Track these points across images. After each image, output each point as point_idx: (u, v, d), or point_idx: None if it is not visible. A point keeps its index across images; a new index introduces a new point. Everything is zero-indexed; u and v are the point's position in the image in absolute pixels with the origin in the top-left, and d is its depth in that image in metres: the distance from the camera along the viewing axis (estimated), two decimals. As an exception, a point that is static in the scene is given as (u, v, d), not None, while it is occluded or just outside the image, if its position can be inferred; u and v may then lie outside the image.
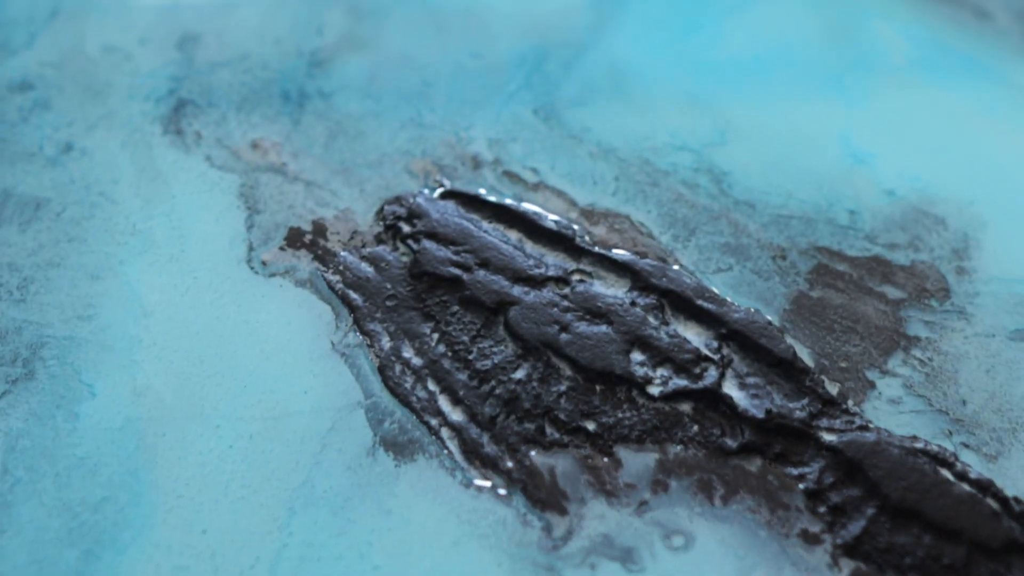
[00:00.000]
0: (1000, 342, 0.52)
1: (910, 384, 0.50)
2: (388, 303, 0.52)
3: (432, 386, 0.49)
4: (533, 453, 0.47)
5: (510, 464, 0.47)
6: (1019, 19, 0.69)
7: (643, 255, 0.54)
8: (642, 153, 0.60)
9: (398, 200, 0.57)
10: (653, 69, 0.65)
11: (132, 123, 0.61)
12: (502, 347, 0.50)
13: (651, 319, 0.51)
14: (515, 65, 0.65)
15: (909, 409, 0.49)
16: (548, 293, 0.52)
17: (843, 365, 0.51)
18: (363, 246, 0.55)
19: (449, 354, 0.50)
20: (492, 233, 0.54)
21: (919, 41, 0.68)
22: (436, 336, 0.51)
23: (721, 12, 0.69)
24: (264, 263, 0.54)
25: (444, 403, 0.49)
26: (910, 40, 0.68)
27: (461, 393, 0.49)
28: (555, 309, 0.51)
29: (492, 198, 0.57)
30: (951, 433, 0.49)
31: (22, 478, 0.47)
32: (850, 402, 0.49)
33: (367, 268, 0.54)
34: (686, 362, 0.49)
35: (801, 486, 0.46)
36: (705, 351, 0.50)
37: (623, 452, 0.47)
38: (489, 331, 0.51)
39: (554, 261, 0.54)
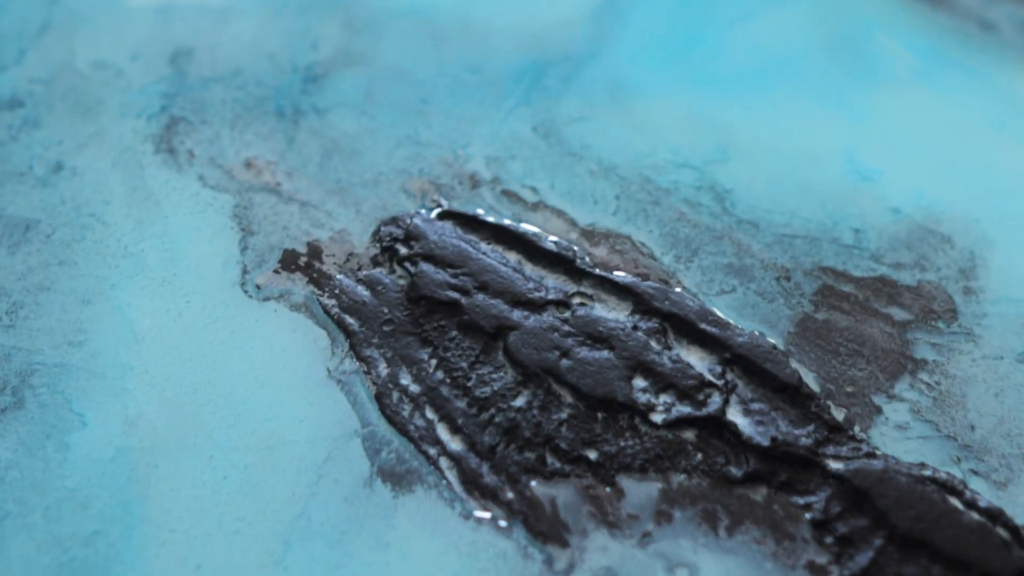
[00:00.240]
0: (1009, 365, 0.51)
1: (917, 409, 0.49)
2: (385, 328, 0.51)
3: (430, 414, 0.48)
4: (534, 483, 0.46)
5: (510, 495, 0.46)
6: (1023, 30, 0.68)
7: (645, 277, 0.53)
8: (643, 171, 0.59)
9: (395, 221, 0.56)
10: (654, 83, 0.64)
11: (123, 141, 0.60)
12: (501, 373, 0.49)
13: (653, 344, 0.50)
14: (513, 80, 0.64)
15: (917, 435, 0.48)
16: (548, 317, 0.51)
17: (849, 390, 0.50)
18: (359, 269, 0.54)
19: (448, 381, 0.49)
20: (491, 255, 0.53)
21: (923, 53, 0.67)
22: (434, 362, 0.50)
23: (722, 25, 0.68)
24: (258, 287, 0.53)
25: (443, 431, 0.48)
26: (914, 52, 0.67)
27: (460, 421, 0.48)
28: (555, 334, 0.50)
29: (491, 218, 0.56)
30: (960, 459, 0.48)
31: (11, 511, 0.45)
32: (857, 428, 0.48)
33: (363, 292, 0.53)
34: (689, 388, 0.49)
35: (807, 516, 0.45)
36: (709, 376, 0.49)
37: (626, 482, 0.46)
38: (488, 357, 0.50)
39: (554, 284, 0.52)
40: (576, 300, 0.52)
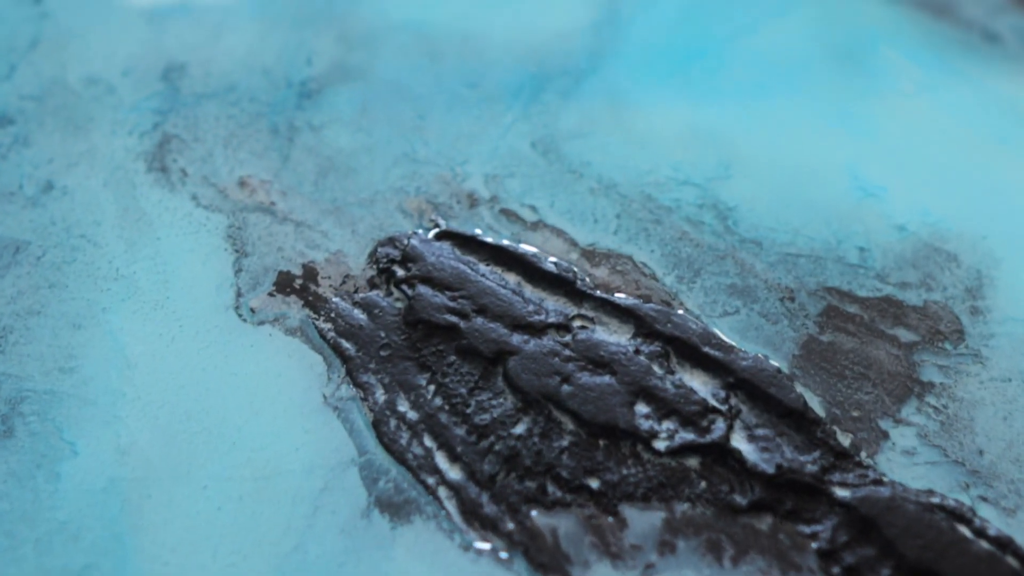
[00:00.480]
0: (1017, 387, 0.50)
1: (925, 433, 0.48)
2: (382, 353, 0.50)
3: (429, 442, 0.47)
4: (534, 513, 0.45)
5: (511, 526, 0.45)
6: (1029, 41, 0.67)
7: (647, 299, 0.52)
8: (644, 188, 0.58)
9: (391, 241, 0.55)
10: (654, 98, 0.63)
11: (115, 160, 0.59)
12: (501, 400, 0.48)
13: (656, 368, 0.49)
14: (512, 95, 0.63)
15: (924, 460, 0.48)
16: (548, 341, 0.50)
17: (855, 414, 0.49)
18: (356, 291, 0.53)
19: (446, 407, 0.48)
20: (490, 277, 0.52)
21: (927, 65, 0.66)
22: (432, 388, 0.49)
23: (724, 38, 0.67)
24: (253, 310, 0.52)
25: (441, 460, 0.47)
26: (917, 64, 0.66)
27: (459, 449, 0.47)
28: (556, 359, 0.49)
29: (489, 239, 0.55)
30: (968, 486, 0.47)
31: (0, 544, 0.44)
32: (863, 454, 0.47)
33: (360, 315, 0.52)
34: (693, 414, 0.48)
35: (814, 545, 0.45)
36: (712, 402, 0.48)
37: (628, 511, 0.45)
38: (488, 383, 0.49)
39: (554, 306, 0.52)
40: (577, 323, 0.51)
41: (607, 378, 0.48)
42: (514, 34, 0.67)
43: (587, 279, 0.53)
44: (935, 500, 0.46)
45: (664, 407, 0.48)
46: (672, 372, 0.49)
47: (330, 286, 0.53)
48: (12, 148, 0.60)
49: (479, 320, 0.50)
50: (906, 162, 0.60)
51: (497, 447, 0.47)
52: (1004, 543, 0.45)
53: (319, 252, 0.55)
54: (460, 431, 0.47)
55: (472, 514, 0.45)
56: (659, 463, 0.47)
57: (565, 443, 0.47)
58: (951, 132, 0.62)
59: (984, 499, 0.46)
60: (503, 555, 0.44)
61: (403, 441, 0.47)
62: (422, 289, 0.52)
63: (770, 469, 0.46)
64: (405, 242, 0.54)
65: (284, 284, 0.53)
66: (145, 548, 0.44)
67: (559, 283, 0.53)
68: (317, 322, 0.51)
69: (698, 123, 0.61)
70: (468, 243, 0.55)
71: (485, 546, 0.44)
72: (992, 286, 0.54)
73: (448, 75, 0.64)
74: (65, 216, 0.57)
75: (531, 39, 0.66)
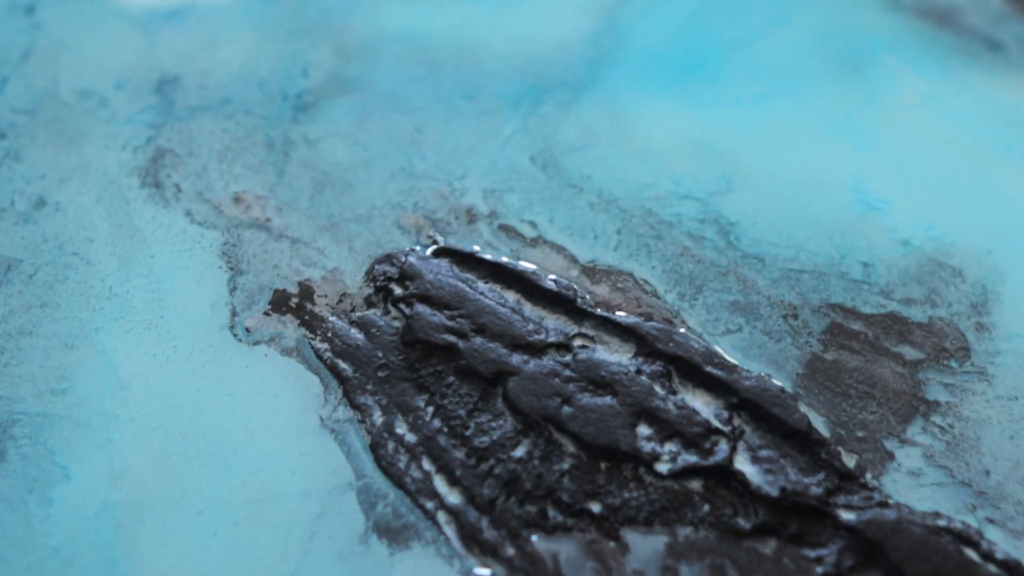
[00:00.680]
0: (1023, 405, 0.50)
1: (930, 454, 0.48)
2: (380, 373, 0.49)
3: (427, 465, 0.46)
4: (535, 538, 0.44)
5: (511, 551, 0.44)
6: (1033, 50, 0.67)
7: (648, 317, 0.52)
8: (645, 203, 0.57)
9: (389, 259, 0.54)
10: (655, 109, 0.62)
11: (108, 175, 0.58)
12: (501, 421, 0.47)
13: (658, 388, 0.48)
14: (511, 107, 0.62)
15: (930, 481, 0.47)
16: (549, 361, 0.49)
17: (860, 434, 0.48)
18: (353, 310, 0.52)
19: (445, 430, 0.47)
20: (489, 295, 0.52)
21: (930, 75, 0.66)
22: (431, 410, 0.48)
23: (724, 48, 0.66)
24: (248, 330, 0.51)
25: (440, 484, 0.46)
26: (921, 74, 0.66)
27: (458, 473, 0.46)
28: (556, 379, 0.48)
29: (488, 256, 0.54)
30: (975, 507, 0.46)
31: (-8, 572, 0.44)
32: (868, 475, 0.47)
33: (357, 335, 0.51)
34: (695, 436, 0.47)
35: (819, 570, 0.44)
36: (715, 423, 0.47)
37: (630, 535, 0.45)
38: (487, 404, 0.48)
39: (554, 325, 0.51)
40: (577, 342, 0.50)
41: (608, 399, 0.48)
42: (512, 44, 0.66)
43: (587, 297, 0.52)
44: (942, 523, 0.45)
45: (666, 428, 0.47)
46: (674, 392, 0.49)
47: (326, 305, 0.52)
48: (3, 163, 0.59)
49: (478, 340, 0.50)
50: (909, 174, 0.60)
51: (497, 470, 0.46)
52: (1012, 567, 0.44)
53: (315, 270, 0.54)
54: (459, 454, 0.47)
55: (472, 539, 0.44)
56: (661, 486, 0.46)
57: (566, 466, 0.46)
58: (954, 143, 0.62)
59: (991, 521, 0.46)
60: (503, 581, 0.43)
61: (401, 464, 0.46)
62: (420, 308, 0.51)
63: (774, 492, 0.45)
64: (403, 259, 0.53)
65: (280, 303, 0.52)
66: (139, 574, 0.43)
67: (559, 301, 0.52)
68: (313, 342, 0.51)
69: (699, 134, 0.61)
70: (467, 260, 0.54)
71: (485, 572, 0.44)
72: (998, 301, 0.54)
73: (446, 87, 0.63)
74: (57, 233, 0.56)
75: (530, 49, 0.66)
